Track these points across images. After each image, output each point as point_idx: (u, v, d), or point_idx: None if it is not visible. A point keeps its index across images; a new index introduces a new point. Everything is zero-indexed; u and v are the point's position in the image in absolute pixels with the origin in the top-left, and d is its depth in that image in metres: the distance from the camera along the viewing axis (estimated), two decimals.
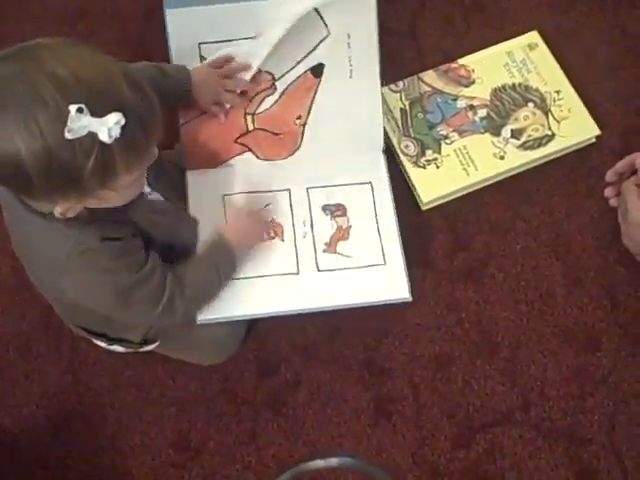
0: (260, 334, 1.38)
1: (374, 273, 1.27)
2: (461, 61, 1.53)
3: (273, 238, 1.29)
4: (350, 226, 1.32)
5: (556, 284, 1.38)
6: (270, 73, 1.33)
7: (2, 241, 1.30)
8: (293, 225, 1.31)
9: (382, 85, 1.39)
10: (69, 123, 0.85)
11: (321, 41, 1.31)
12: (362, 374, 1.35)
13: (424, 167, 1.43)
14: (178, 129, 1.31)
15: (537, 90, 1.48)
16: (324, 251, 1.30)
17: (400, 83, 1.51)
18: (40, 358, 1.38)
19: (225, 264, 1.19)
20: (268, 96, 1.33)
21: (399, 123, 1.46)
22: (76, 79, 0.86)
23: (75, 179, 0.89)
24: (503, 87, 1.50)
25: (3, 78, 0.87)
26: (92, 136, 0.86)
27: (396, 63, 1.55)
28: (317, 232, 1.31)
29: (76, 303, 1.10)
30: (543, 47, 1.52)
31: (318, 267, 1.28)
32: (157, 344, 1.30)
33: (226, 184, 1.31)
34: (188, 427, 1.33)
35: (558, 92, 1.48)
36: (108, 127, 0.86)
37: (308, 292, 1.25)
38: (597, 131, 1.46)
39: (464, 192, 1.45)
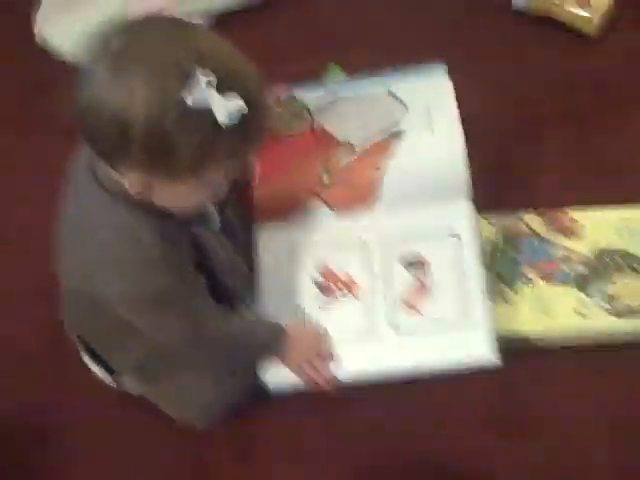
0: (252, 414, 1.23)
1: (457, 336, 1.15)
2: (572, 213, 1.38)
3: (346, 296, 1.20)
4: (432, 283, 1.19)
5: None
6: (349, 142, 1.29)
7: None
8: (369, 282, 1.20)
9: (481, 214, 1.31)
10: (194, 89, 0.82)
11: (400, 117, 1.28)
12: None
13: (492, 300, 1.26)
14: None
15: None
16: (403, 311, 1.18)
17: (499, 217, 1.37)
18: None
19: (260, 348, 1.14)
20: (345, 155, 1.27)
21: (485, 255, 1.32)
22: (215, 55, 0.85)
23: (173, 151, 0.85)
24: (609, 250, 1.33)
25: (146, 36, 0.87)
26: (209, 113, 0.83)
27: (502, 200, 1.44)
28: (396, 290, 1.19)
29: (96, 300, 1.02)
30: None
31: (397, 330, 1.17)
32: (138, 384, 1.19)
33: (297, 235, 1.25)
34: None
35: None
36: (229, 110, 0.83)
37: (387, 357, 1.16)
38: None
39: (528, 342, 1.28)
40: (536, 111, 1.58)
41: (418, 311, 1.19)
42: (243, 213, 1.26)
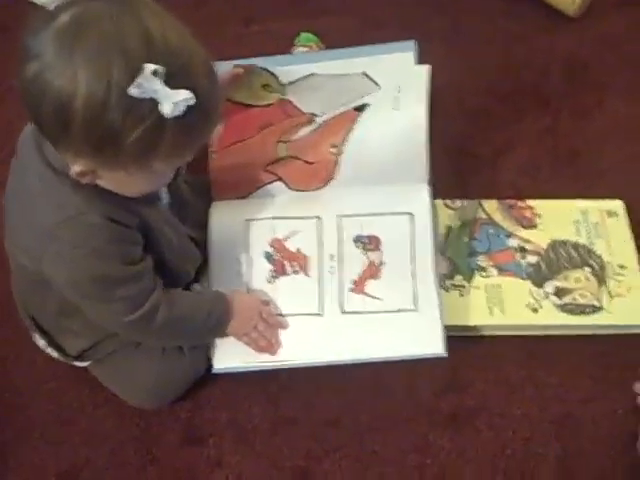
0: (201, 396, 1.22)
1: (404, 320, 1.16)
2: (530, 202, 1.38)
3: (297, 272, 1.18)
4: (383, 263, 1.19)
5: (546, 467, 1.16)
6: (312, 113, 1.29)
7: None
8: (320, 258, 1.20)
9: (437, 197, 1.32)
10: (138, 79, 0.79)
11: (370, 93, 1.28)
12: None
13: (447, 290, 1.27)
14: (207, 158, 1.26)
15: (599, 257, 1.32)
16: (351, 290, 1.19)
17: (458, 202, 1.38)
18: None
19: (218, 315, 1.13)
20: (305, 126, 1.27)
21: (439, 238, 1.32)
22: (165, 42, 0.82)
23: (115, 141, 0.82)
24: (564, 242, 1.34)
25: (94, 13, 0.82)
26: (153, 104, 0.81)
27: (464, 183, 1.44)
28: (346, 268, 1.20)
29: (44, 278, 0.99)
30: (623, 220, 1.37)
31: (343, 308, 1.17)
32: (89, 363, 1.19)
33: (251, 211, 1.24)
34: (83, 463, 1.18)
35: (622, 267, 1.31)
36: (174, 101, 0.81)
37: (330, 338, 1.17)
38: None
39: (480, 332, 1.28)
40: (505, 91, 1.58)
41: (366, 292, 1.20)
42: (197, 184, 1.24)
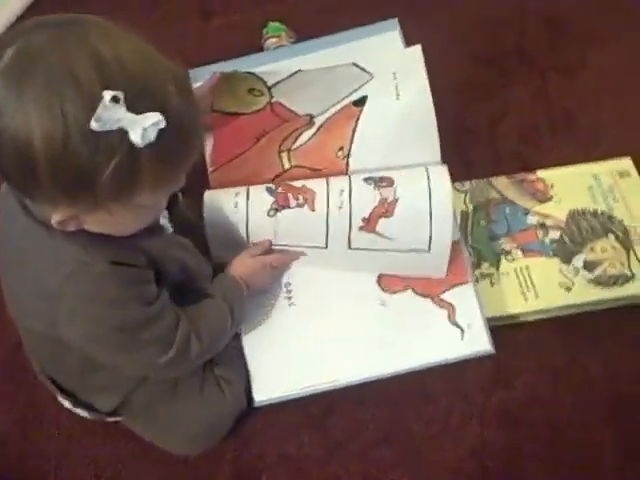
0: (246, 432, 1.16)
1: (415, 259, 1.09)
2: (540, 173, 1.33)
3: (301, 206, 1.11)
4: (396, 200, 1.11)
5: (607, 452, 1.13)
6: (309, 114, 1.21)
7: None
8: (328, 193, 1.12)
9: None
10: (99, 111, 0.70)
11: (364, 84, 1.22)
12: None
13: (477, 281, 1.22)
14: (206, 177, 1.20)
15: (621, 223, 1.28)
16: (361, 228, 1.11)
17: (467, 183, 1.32)
18: None
19: (236, 300, 1.06)
20: (305, 131, 1.19)
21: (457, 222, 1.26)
22: (119, 64, 0.72)
23: (88, 181, 0.74)
24: (583, 211, 1.29)
25: (37, 46, 0.73)
26: (122, 134, 0.72)
27: (467, 162, 1.39)
28: (355, 204, 1.12)
29: (61, 341, 0.92)
30: (635, 177, 1.33)
31: (350, 244, 1.10)
32: (125, 416, 1.12)
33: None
34: None
35: None
36: (143, 127, 0.72)
37: (335, 266, 1.11)
38: None
39: (517, 320, 1.22)
40: (488, 56, 1.53)
41: (377, 231, 1.13)
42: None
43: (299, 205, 1.14)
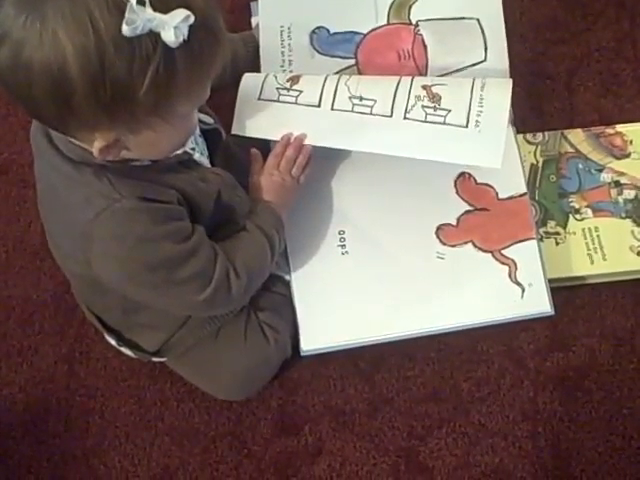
0: (292, 381, 1.15)
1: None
2: (619, 128, 1.24)
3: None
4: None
5: None
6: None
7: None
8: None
9: (518, 132, 1.20)
10: (128, 14, 0.67)
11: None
12: (397, 465, 1.10)
13: (541, 239, 1.16)
14: None
15: None
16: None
17: (539, 135, 1.25)
18: (40, 336, 1.19)
19: (273, 227, 1.00)
20: None
21: (525, 176, 1.19)
22: None
23: (128, 94, 0.71)
24: None
25: None
26: (154, 38, 0.69)
27: (541, 111, 1.31)
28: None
29: (99, 281, 0.90)
30: None
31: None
32: (170, 357, 1.11)
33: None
34: (177, 464, 1.11)
35: None
36: (174, 25, 0.69)
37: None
38: None
39: (580, 282, 1.16)
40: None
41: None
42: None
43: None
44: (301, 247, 1.11)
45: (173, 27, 0.70)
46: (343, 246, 1.12)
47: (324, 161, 1.12)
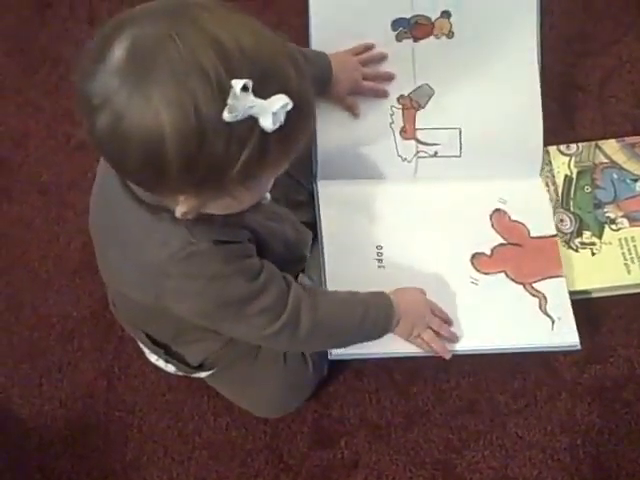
0: (327, 394, 1.15)
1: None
2: None
3: None
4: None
5: None
6: None
7: (80, 213, 1.22)
8: None
9: (551, 144, 1.22)
10: (230, 101, 0.67)
11: None
12: (434, 478, 1.10)
13: (576, 250, 1.16)
14: None
15: None
16: None
17: (573, 146, 1.25)
18: (80, 352, 1.20)
19: (376, 310, 1.01)
20: None
21: (559, 191, 1.20)
22: (240, 50, 0.69)
23: (221, 172, 0.72)
24: None
25: (151, 37, 0.69)
26: (251, 121, 0.69)
27: (573, 123, 1.31)
28: None
29: (160, 309, 0.92)
30: None
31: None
32: (211, 372, 1.12)
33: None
34: (215, 478, 1.13)
35: None
36: (273, 111, 0.69)
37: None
38: None
39: (617, 292, 1.16)
40: (601, 6, 1.41)
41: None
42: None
43: None
44: (338, 257, 1.11)
45: (272, 113, 0.70)
46: (380, 260, 1.13)
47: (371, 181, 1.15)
